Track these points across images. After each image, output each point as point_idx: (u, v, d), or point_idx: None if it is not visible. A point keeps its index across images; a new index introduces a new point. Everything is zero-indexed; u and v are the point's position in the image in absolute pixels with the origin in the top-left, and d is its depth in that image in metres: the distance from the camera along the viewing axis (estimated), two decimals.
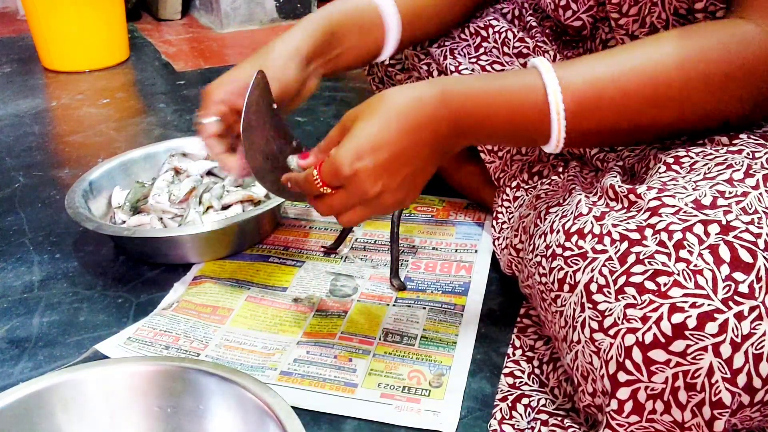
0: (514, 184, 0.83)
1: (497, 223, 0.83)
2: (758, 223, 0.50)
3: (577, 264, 0.56)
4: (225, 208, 0.97)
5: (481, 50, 0.89)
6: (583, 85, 0.59)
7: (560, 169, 0.80)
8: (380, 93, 0.62)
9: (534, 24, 0.86)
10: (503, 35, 0.87)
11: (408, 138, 0.60)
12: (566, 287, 0.56)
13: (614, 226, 0.55)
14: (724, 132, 0.61)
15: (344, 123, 0.62)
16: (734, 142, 0.59)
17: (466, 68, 0.87)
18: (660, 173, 0.59)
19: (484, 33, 0.89)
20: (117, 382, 0.61)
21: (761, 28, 0.57)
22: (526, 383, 0.68)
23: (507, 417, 0.64)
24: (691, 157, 0.59)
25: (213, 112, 0.75)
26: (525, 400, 0.65)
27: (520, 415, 0.64)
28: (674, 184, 0.56)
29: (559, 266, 0.57)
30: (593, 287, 0.53)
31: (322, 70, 0.79)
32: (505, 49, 0.87)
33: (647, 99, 0.59)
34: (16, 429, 0.56)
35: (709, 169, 0.56)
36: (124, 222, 0.96)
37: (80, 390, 0.60)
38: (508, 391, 0.67)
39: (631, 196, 0.56)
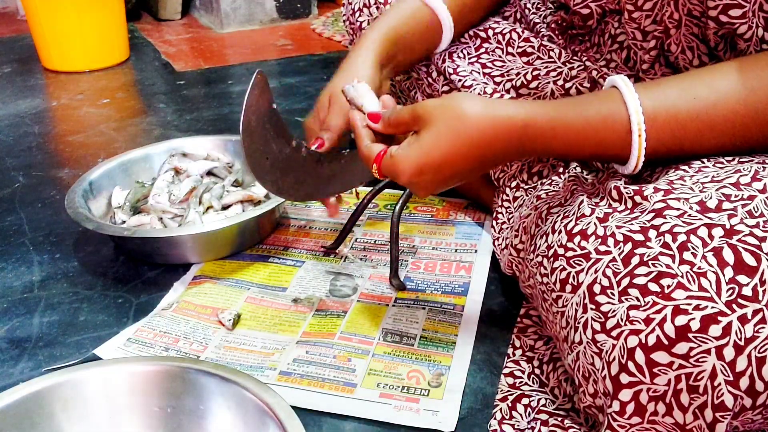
0: (513, 184, 0.83)
1: (497, 224, 0.83)
2: (763, 226, 0.50)
3: (580, 265, 0.56)
4: (225, 208, 0.97)
5: (482, 51, 0.89)
6: (667, 119, 0.58)
7: (560, 170, 0.79)
8: (459, 97, 0.61)
9: (537, 21, 0.86)
10: (507, 36, 0.87)
11: (473, 161, 0.61)
12: (568, 288, 0.56)
13: (618, 227, 0.55)
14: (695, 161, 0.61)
15: (418, 113, 0.62)
16: (743, 157, 0.59)
17: (465, 70, 0.87)
18: (668, 173, 0.59)
19: (483, 35, 0.90)
20: (117, 382, 0.61)
21: None
22: (526, 383, 0.68)
23: (507, 417, 0.64)
24: (702, 162, 0.59)
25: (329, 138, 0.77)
26: (525, 400, 0.65)
27: (520, 415, 0.64)
28: (681, 184, 0.56)
29: (561, 267, 0.57)
30: (596, 288, 0.53)
31: (391, 74, 0.85)
32: (510, 48, 0.87)
33: (722, 131, 0.58)
34: (16, 429, 0.56)
35: (717, 172, 0.56)
36: (124, 222, 0.96)
37: (80, 390, 0.60)
38: (508, 391, 0.67)
39: (637, 198, 0.56)
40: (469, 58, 0.89)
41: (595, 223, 0.57)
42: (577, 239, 0.57)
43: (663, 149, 0.60)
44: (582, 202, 0.61)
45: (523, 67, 0.86)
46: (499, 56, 0.88)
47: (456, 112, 0.60)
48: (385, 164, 0.63)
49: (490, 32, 0.89)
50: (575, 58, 0.83)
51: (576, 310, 0.55)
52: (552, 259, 0.59)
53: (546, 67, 0.84)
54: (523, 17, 0.89)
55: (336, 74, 0.79)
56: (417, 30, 0.85)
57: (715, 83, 0.58)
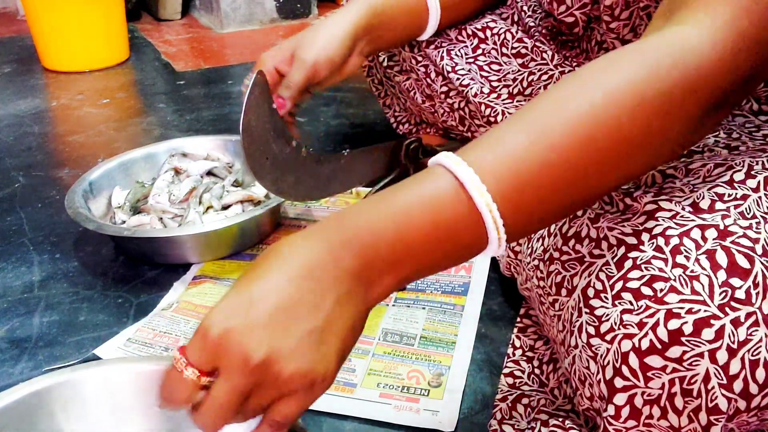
0: None
1: None
2: (756, 228, 0.50)
3: (574, 268, 0.56)
4: (225, 208, 0.97)
5: (479, 51, 0.89)
6: (503, 162, 0.46)
7: None
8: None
9: (532, 24, 0.86)
10: (502, 36, 0.87)
11: (298, 284, 0.44)
12: (564, 291, 0.56)
13: (610, 229, 0.55)
14: (686, 156, 0.57)
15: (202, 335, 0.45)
16: (733, 153, 0.59)
17: (463, 68, 0.87)
18: (655, 178, 0.58)
19: (481, 35, 0.90)
20: (118, 382, 0.60)
21: (701, 30, 0.47)
22: (526, 383, 0.68)
23: (507, 417, 0.64)
24: (689, 159, 0.58)
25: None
26: (525, 400, 0.65)
27: (520, 415, 0.64)
28: (671, 187, 0.56)
29: (556, 270, 0.57)
30: (590, 292, 0.53)
31: (368, 49, 0.82)
32: (504, 49, 0.87)
33: (583, 151, 0.46)
34: (16, 428, 0.55)
35: (708, 171, 0.56)
36: (124, 222, 0.96)
37: (80, 390, 0.59)
38: (508, 391, 0.67)
39: (627, 200, 0.56)
40: (467, 58, 0.89)
41: (587, 225, 0.57)
42: (571, 242, 0.57)
43: (526, 205, 0.47)
44: None
45: (519, 70, 0.86)
46: (495, 58, 0.88)
47: (263, 253, 0.46)
48: (190, 343, 0.44)
49: (488, 32, 0.89)
50: (565, 63, 0.83)
51: (571, 314, 0.55)
52: (548, 262, 0.59)
53: (539, 69, 0.84)
54: (520, 20, 0.90)
55: (308, 28, 0.78)
56: (403, 9, 0.84)
57: (594, 89, 0.47)
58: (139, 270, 0.91)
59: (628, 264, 0.52)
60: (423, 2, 0.86)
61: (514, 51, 0.86)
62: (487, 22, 0.90)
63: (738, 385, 0.47)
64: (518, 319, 0.77)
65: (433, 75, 0.93)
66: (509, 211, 0.46)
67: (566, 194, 0.48)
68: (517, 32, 0.87)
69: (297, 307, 0.43)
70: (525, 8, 0.89)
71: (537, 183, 0.46)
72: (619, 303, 0.51)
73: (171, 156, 1.06)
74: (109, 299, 0.86)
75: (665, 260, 0.50)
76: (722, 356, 0.47)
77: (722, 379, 0.47)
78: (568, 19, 0.77)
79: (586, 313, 0.53)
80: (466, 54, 0.90)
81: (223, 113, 1.49)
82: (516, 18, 0.90)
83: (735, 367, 0.47)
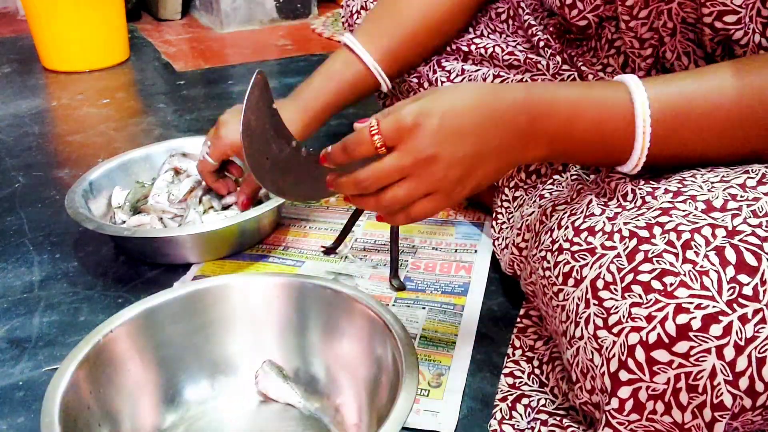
0: (512, 184, 0.83)
1: (497, 224, 0.83)
2: (765, 226, 0.50)
3: (584, 259, 0.56)
4: (225, 208, 0.97)
5: (469, 61, 0.89)
6: (670, 96, 0.56)
7: (560, 168, 0.79)
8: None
9: (533, 23, 0.86)
10: (490, 50, 0.87)
11: (482, 116, 0.55)
12: (571, 281, 0.56)
13: (625, 224, 0.55)
14: None
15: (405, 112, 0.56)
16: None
17: (456, 70, 0.87)
18: (683, 170, 0.59)
19: (465, 49, 0.90)
20: (256, 290, 0.70)
21: None
22: (525, 383, 0.68)
23: (507, 417, 0.64)
24: (715, 164, 0.59)
25: (215, 158, 0.94)
26: (525, 400, 0.65)
27: (520, 415, 0.64)
28: (692, 181, 0.56)
29: (565, 260, 0.57)
30: (600, 283, 0.53)
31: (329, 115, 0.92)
32: (495, 62, 0.87)
33: (720, 131, 0.57)
34: (179, 317, 0.68)
35: (727, 173, 0.56)
36: (124, 222, 0.96)
37: (227, 293, 0.70)
38: (508, 391, 0.67)
39: (648, 198, 0.56)
40: (460, 65, 0.90)
41: (604, 222, 0.57)
42: (583, 234, 0.57)
43: (670, 142, 0.57)
44: (591, 201, 0.61)
45: (515, 74, 0.86)
46: (488, 68, 0.88)
47: (448, 87, 0.58)
48: (386, 120, 0.55)
49: (473, 47, 0.89)
50: (564, 67, 0.82)
51: (578, 305, 0.55)
52: (556, 252, 0.59)
53: (537, 79, 0.84)
54: (516, 15, 0.89)
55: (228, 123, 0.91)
56: (352, 88, 0.91)
57: (712, 83, 0.57)
58: (139, 270, 0.91)
59: (640, 257, 0.52)
60: (371, 75, 0.91)
61: (506, 63, 0.86)
62: (471, 38, 0.91)
63: (744, 383, 0.47)
64: (518, 319, 0.77)
65: (426, 85, 0.93)
66: (659, 138, 0.57)
67: (709, 144, 0.57)
68: (507, 46, 0.87)
69: (472, 134, 0.55)
70: (523, 5, 0.89)
71: (690, 126, 0.56)
72: (629, 296, 0.51)
73: (171, 156, 1.06)
74: (109, 299, 0.86)
75: (676, 255, 0.50)
76: (729, 353, 0.47)
77: (728, 376, 0.47)
78: (581, 22, 0.77)
79: (594, 304, 0.53)
80: (456, 61, 0.90)
81: (223, 113, 1.49)
82: (512, 13, 0.90)
83: (741, 364, 0.47)
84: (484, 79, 0.86)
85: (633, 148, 0.57)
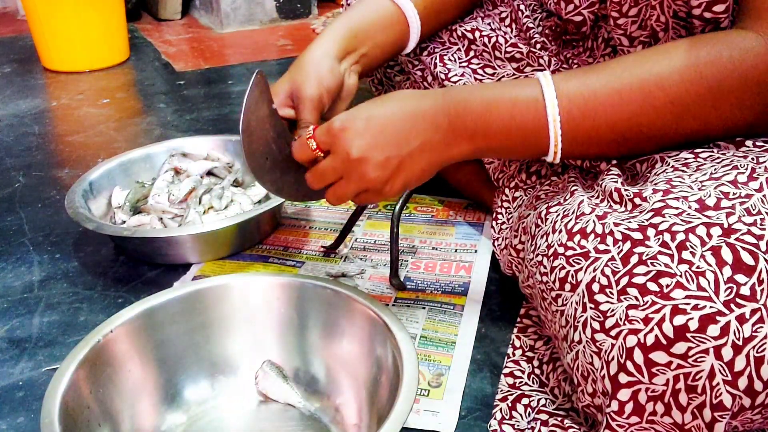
0: (512, 184, 0.83)
1: (497, 224, 0.83)
2: (761, 225, 0.50)
3: (579, 263, 0.56)
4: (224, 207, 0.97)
5: (471, 53, 0.89)
6: (578, 88, 0.61)
7: (559, 170, 0.80)
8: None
9: (531, 25, 0.86)
10: (493, 39, 0.87)
11: (403, 119, 0.63)
12: (567, 286, 0.56)
13: (616, 225, 0.55)
14: (728, 140, 0.61)
15: (334, 124, 0.64)
16: (740, 148, 0.60)
17: (456, 74, 0.87)
18: (667, 172, 0.59)
19: (470, 36, 0.89)
20: (256, 290, 0.71)
21: (762, 38, 0.58)
22: (526, 383, 0.68)
23: (507, 417, 0.64)
24: (699, 162, 0.59)
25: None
26: (525, 400, 0.65)
27: (520, 415, 0.64)
28: (680, 182, 0.56)
29: (560, 265, 0.57)
30: (595, 287, 0.53)
31: (357, 68, 0.82)
32: (497, 53, 0.87)
33: (641, 103, 0.59)
34: (179, 317, 0.68)
35: (715, 169, 0.56)
36: (124, 222, 0.96)
37: (227, 292, 0.70)
38: (508, 391, 0.67)
39: (636, 200, 0.56)
40: (460, 63, 0.89)
41: (594, 221, 0.57)
42: (576, 238, 0.57)
43: (583, 132, 0.62)
44: (582, 201, 0.61)
45: (513, 74, 0.86)
46: (489, 61, 0.88)
47: (375, 99, 0.65)
48: (319, 128, 0.65)
49: (477, 34, 0.89)
50: (565, 66, 0.82)
51: (575, 309, 0.55)
52: (552, 258, 0.59)
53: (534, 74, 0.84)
54: (517, 19, 0.89)
55: (294, 66, 0.77)
56: (381, 24, 0.84)
57: (643, 58, 0.61)
58: (139, 270, 0.91)
59: (634, 259, 0.52)
60: (402, 16, 0.85)
61: (508, 55, 0.86)
62: (476, 25, 0.90)
63: (743, 382, 0.47)
64: (518, 319, 0.77)
65: (429, 78, 0.92)
66: (570, 128, 0.61)
67: (619, 132, 0.61)
68: (510, 37, 0.87)
69: (394, 135, 0.62)
70: (522, 8, 0.89)
71: (598, 115, 0.61)
72: (625, 298, 0.51)
73: (171, 156, 1.06)
74: (109, 299, 0.86)
75: (671, 256, 0.50)
76: (727, 353, 0.47)
77: (727, 376, 0.47)
78: (576, 18, 0.77)
79: (590, 308, 0.53)
80: (459, 58, 0.90)
81: (223, 113, 1.49)
82: (514, 16, 0.90)
83: (740, 363, 0.47)
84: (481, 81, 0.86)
85: (549, 140, 0.62)
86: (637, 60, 0.61)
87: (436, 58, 0.90)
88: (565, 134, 0.62)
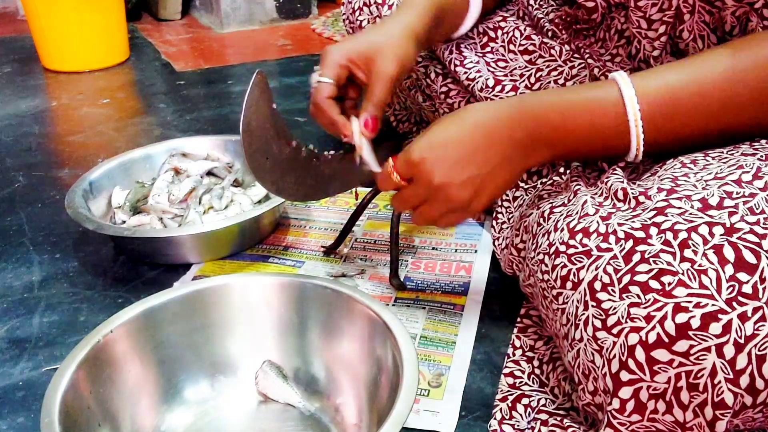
0: None
1: (497, 223, 0.83)
2: (763, 224, 0.50)
3: (581, 261, 0.56)
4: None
5: (488, 49, 0.89)
6: (658, 91, 0.60)
7: (561, 170, 0.79)
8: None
9: (541, 16, 0.86)
10: (510, 34, 0.87)
11: (480, 139, 0.63)
12: (569, 284, 0.56)
13: (620, 225, 0.55)
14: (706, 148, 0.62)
15: (412, 153, 0.65)
16: (754, 145, 0.60)
17: (471, 61, 0.87)
18: (675, 168, 0.59)
19: (492, 34, 0.90)
20: (256, 290, 0.71)
21: None
22: (526, 383, 0.68)
23: (507, 417, 0.64)
24: (707, 160, 0.59)
25: (330, 74, 0.72)
26: (525, 400, 0.65)
27: (520, 415, 0.64)
28: (685, 181, 0.56)
29: (562, 263, 0.57)
30: (597, 285, 0.53)
31: (422, 47, 0.79)
32: (511, 46, 0.87)
33: (723, 100, 0.59)
34: (179, 317, 0.68)
35: (721, 169, 0.57)
36: (124, 222, 0.96)
37: (226, 292, 0.70)
38: (508, 391, 0.67)
39: (641, 198, 0.56)
40: (476, 52, 0.89)
41: (597, 221, 0.57)
42: (579, 236, 0.57)
43: (663, 131, 0.61)
44: (586, 201, 0.61)
45: (526, 67, 0.86)
46: (503, 55, 0.88)
47: (460, 108, 0.65)
48: (399, 158, 0.66)
49: (499, 32, 0.89)
50: (576, 55, 0.82)
51: (577, 307, 0.55)
52: (553, 256, 0.59)
53: (547, 66, 0.84)
54: (526, 14, 0.89)
55: (377, 30, 0.73)
56: (452, 7, 0.83)
57: (709, 65, 0.60)
58: (139, 270, 0.91)
59: (636, 257, 0.52)
60: (465, 1, 0.85)
61: (521, 48, 0.86)
62: (498, 22, 0.90)
63: (744, 380, 0.47)
64: (518, 319, 0.77)
65: (432, 75, 0.92)
66: (651, 129, 0.61)
67: (699, 128, 0.61)
68: (525, 29, 0.87)
69: (474, 156, 0.63)
70: (531, 1, 0.89)
71: (680, 113, 0.60)
72: (627, 296, 0.51)
73: (171, 156, 1.06)
74: (109, 299, 0.86)
75: (673, 254, 0.50)
76: (729, 351, 0.47)
77: (729, 374, 0.47)
78: (589, 3, 0.77)
79: (592, 306, 0.53)
80: (475, 49, 0.90)
81: (223, 113, 1.49)
82: (522, 13, 0.90)
83: (742, 362, 0.47)
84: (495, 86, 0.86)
85: (630, 141, 0.61)
86: (717, 57, 0.60)
87: (452, 46, 0.90)
88: (648, 134, 0.61)
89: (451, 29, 0.87)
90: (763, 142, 0.60)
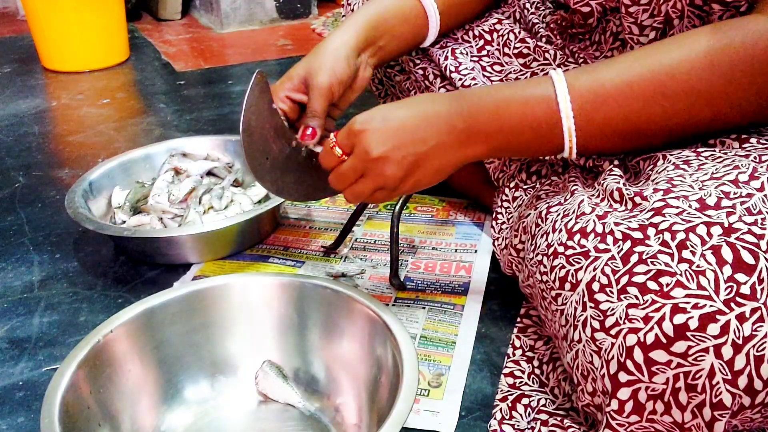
0: (512, 184, 0.83)
1: (497, 224, 0.83)
2: (761, 224, 0.50)
3: (579, 262, 0.56)
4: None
5: (484, 52, 0.89)
6: (589, 83, 0.61)
7: (560, 170, 0.80)
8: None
9: (536, 21, 0.86)
10: (505, 36, 0.88)
11: (420, 119, 0.64)
12: (567, 285, 0.56)
13: (617, 224, 0.55)
14: (735, 133, 0.61)
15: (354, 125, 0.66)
16: (744, 145, 0.59)
17: (466, 68, 0.87)
18: (668, 170, 0.59)
19: (488, 37, 0.90)
20: (256, 290, 0.71)
21: None
22: (526, 383, 0.68)
23: (507, 417, 0.64)
24: (700, 160, 0.59)
25: (281, 106, 0.77)
26: (525, 400, 0.65)
27: (520, 415, 0.64)
28: (681, 181, 0.56)
29: (560, 264, 0.57)
30: (595, 286, 0.53)
31: (373, 60, 0.83)
32: (506, 50, 0.87)
33: (653, 93, 0.59)
34: (179, 317, 0.68)
35: (716, 169, 0.56)
36: (124, 222, 0.96)
37: (226, 292, 0.70)
38: (508, 391, 0.67)
39: (637, 199, 0.56)
40: (471, 57, 0.89)
41: (594, 221, 0.57)
42: (576, 237, 0.57)
43: (596, 124, 0.62)
44: (582, 201, 0.61)
45: (521, 70, 0.86)
46: (498, 58, 0.88)
47: (392, 102, 0.67)
48: (341, 131, 0.66)
49: (495, 35, 0.89)
50: (570, 60, 0.82)
51: (575, 308, 0.55)
52: (552, 257, 0.59)
53: (542, 69, 0.84)
54: (522, 17, 0.89)
55: (312, 52, 0.78)
56: (401, 17, 0.84)
57: (652, 49, 0.61)
58: (139, 270, 0.91)
59: (634, 258, 0.52)
60: (422, 10, 0.85)
61: (516, 51, 0.86)
62: (493, 24, 0.90)
63: (742, 381, 0.47)
64: (518, 319, 0.77)
65: (431, 77, 0.92)
66: (583, 124, 0.62)
67: (632, 124, 0.61)
68: (519, 32, 0.87)
69: (411, 135, 0.64)
70: (527, 5, 0.89)
71: (611, 108, 0.61)
72: (625, 297, 0.51)
73: (171, 156, 1.06)
74: (109, 299, 0.86)
75: (671, 255, 0.50)
76: (727, 351, 0.47)
77: (727, 375, 0.47)
78: (584, 8, 0.77)
79: (590, 307, 0.53)
80: (471, 53, 0.90)
81: (223, 113, 1.49)
82: (518, 15, 0.90)
83: (740, 362, 0.47)
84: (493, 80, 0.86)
85: (563, 137, 0.63)
86: (647, 51, 0.61)
87: (447, 52, 0.90)
88: (579, 129, 0.62)
89: (411, 38, 0.87)
90: (754, 141, 0.60)
